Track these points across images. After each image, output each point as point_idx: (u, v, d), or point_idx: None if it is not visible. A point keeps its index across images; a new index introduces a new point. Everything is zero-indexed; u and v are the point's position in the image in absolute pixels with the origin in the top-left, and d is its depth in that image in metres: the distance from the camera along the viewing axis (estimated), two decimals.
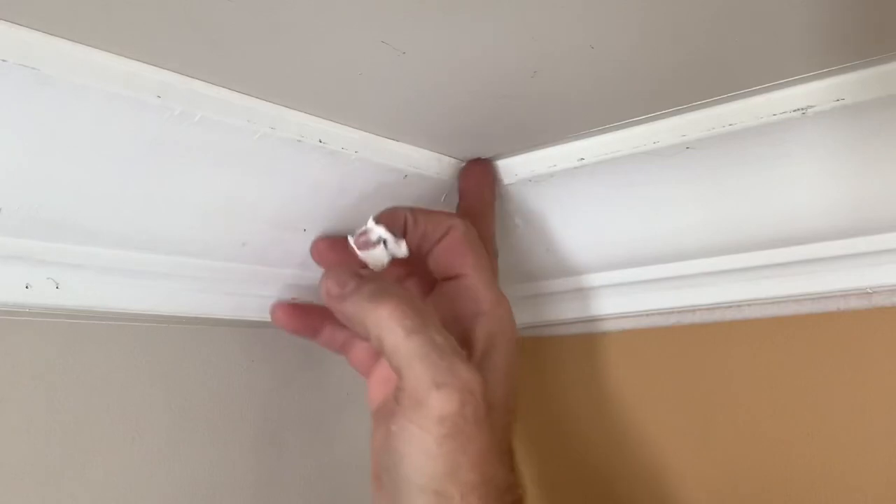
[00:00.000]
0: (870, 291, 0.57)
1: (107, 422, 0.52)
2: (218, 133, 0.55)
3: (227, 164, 0.56)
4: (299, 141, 0.60)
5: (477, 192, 0.66)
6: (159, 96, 0.51)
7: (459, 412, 0.46)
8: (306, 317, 0.59)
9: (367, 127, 0.62)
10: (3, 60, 0.44)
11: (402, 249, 0.56)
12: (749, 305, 0.63)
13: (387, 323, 0.48)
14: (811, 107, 0.57)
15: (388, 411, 0.50)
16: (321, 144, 0.61)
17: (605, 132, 0.66)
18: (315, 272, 0.63)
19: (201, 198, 0.55)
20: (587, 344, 0.72)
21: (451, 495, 0.46)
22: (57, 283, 0.48)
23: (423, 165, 0.70)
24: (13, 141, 0.45)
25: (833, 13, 0.45)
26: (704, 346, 0.65)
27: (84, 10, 0.42)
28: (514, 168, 0.74)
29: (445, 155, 0.71)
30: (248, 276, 0.58)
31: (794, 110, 0.57)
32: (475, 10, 0.44)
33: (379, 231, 0.56)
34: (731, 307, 0.64)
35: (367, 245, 0.55)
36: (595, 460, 0.71)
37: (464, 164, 0.70)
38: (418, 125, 0.63)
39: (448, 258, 0.59)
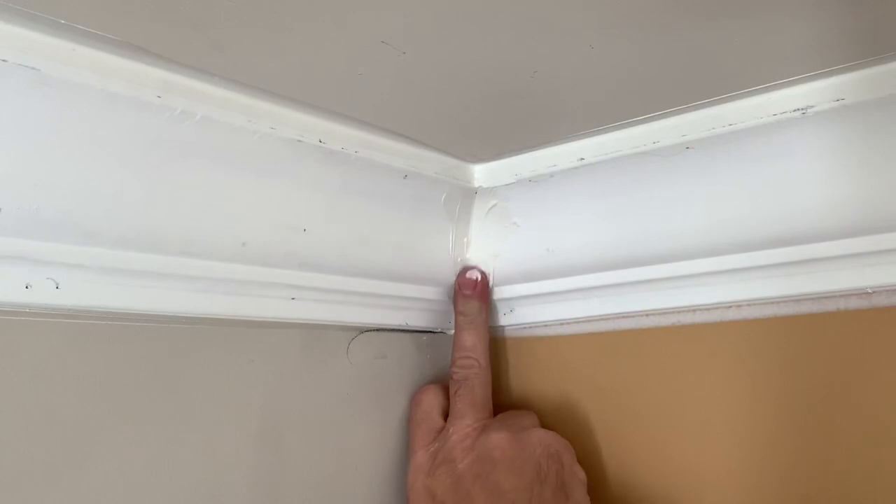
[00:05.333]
0: (870, 291, 0.57)
1: (107, 422, 0.52)
2: (218, 133, 0.55)
3: (227, 164, 0.56)
4: (299, 141, 0.60)
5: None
6: (160, 96, 0.51)
7: None
8: None
9: (367, 127, 0.62)
10: (3, 60, 0.44)
11: None
12: (749, 305, 0.63)
13: None
14: (811, 107, 0.57)
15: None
16: (321, 144, 0.61)
17: (605, 132, 0.66)
18: (314, 272, 0.63)
19: (201, 198, 0.55)
20: (587, 344, 0.72)
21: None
22: (57, 283, 0.48)
23: (423, 165, 0.70)
24: (13, 141, 0.45)
25: (833, 13, 0.45)
26: (704, 347, 0.65)
27: (84, 9, 0.42)
28: (514, 168, 0.74)
29: (445, 155, 0.71)
30: (248, 276, 0.58)
31: (794, 110, 0.57)
32: (475, 10, 0.44)
33: None
34: (731, 307, 0.64)
35: None
36: (595, 460, 0.71)
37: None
38: (418, 125, 0.63)
39: None
